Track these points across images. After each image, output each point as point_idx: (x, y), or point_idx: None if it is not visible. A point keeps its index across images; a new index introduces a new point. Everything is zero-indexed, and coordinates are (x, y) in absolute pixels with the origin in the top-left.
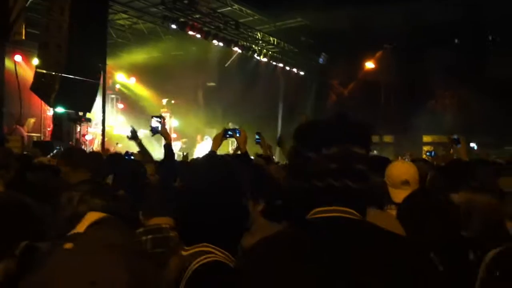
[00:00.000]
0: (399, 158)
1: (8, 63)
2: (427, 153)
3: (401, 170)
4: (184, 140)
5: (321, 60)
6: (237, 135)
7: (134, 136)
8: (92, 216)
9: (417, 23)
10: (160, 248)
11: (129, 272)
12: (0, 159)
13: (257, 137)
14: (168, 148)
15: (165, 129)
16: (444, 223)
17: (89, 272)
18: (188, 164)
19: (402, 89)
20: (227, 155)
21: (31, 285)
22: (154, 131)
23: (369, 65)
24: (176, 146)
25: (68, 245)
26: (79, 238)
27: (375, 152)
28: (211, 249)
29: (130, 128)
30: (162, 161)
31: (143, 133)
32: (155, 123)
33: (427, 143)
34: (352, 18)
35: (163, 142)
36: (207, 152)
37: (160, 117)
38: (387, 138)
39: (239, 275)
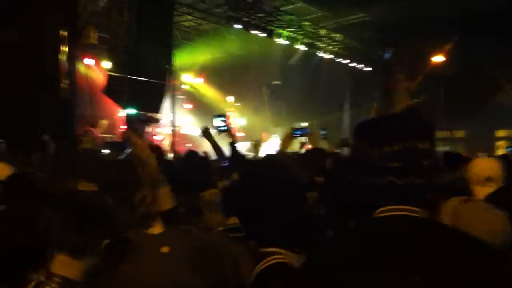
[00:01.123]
0: (478, 154)
1: (80, 67)
2: (508, 148)
3: (485, 165)
4: (253, 141)
5: (386, 55)
6: (306, 134)
7: (206, 134)
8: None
9: (480, 12)
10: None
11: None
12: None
13: (323, 132)
14: (233, 147)
15: (230, 128)
16: None
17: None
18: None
19: (470, 82)
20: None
21: (122, 276)
22: (219, 130)
23: (437, 58)
24: (245, 145)
25: (165, 249)
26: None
27: (447, 148)
28: (278, 249)
29: (202, 128)
30: (229, 159)
31: (213, 132)
32: (218, 122)
33: (500, 138)
34: (416, 11)
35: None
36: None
37: (223, 116)
38: (458, 133)
39: (305, 276)
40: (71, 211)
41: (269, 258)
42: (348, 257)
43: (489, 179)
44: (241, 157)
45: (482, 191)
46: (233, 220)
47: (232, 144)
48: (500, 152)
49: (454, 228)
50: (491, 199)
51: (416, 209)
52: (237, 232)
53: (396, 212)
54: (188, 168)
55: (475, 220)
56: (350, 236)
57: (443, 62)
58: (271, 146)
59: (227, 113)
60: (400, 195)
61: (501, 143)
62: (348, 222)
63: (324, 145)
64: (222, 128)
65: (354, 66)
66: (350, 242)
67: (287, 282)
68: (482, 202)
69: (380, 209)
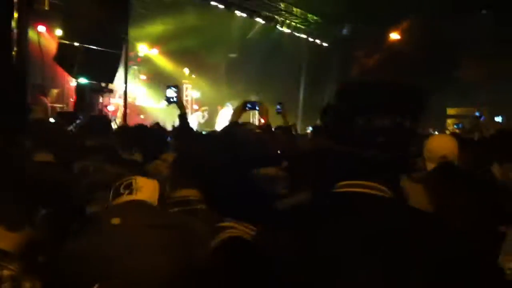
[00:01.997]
0: (429, 131)
1: (31, 34)
2: (455, 125)
3: (440, 144)
4: (204, 108)
5: (344, 31)
6: (257, 108)
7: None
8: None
9: None
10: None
11: (168, 254)
12: None
13: (278, 107)
14: (183, 119)
15: (181, 99)
16: (481, 197)
17: (135, 250)
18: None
19: (427, 60)
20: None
21: (73, 253)
22: (169, 101)
23: (394, 36)
24: (196, 116)
25: (116, 220)
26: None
27: None
28: (232, 224)
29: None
30: (178, 131)
31: (164, 104)
32: (170, 92)
33: (451, 116)
34: None
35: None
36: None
37: (176, 86)
38: None
39: (258, 247)
40: (7, 183)
41: (225, 232)
42: (296, 232)
43: (443, 158)
44: (189, 129)
45: None
46: (180, 193)
47: (182, 116)
48: (449, 130)
49: (415, 208)
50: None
51: (382, 187)
52: (185, 205)
53: (356, 188)
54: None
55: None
56: (301, 210)
57: (399, 40)
58: (226, 115)
59: (181, 85)
60: (373, 170)
61: (451, 121)
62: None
63: (278, 120)
64: (173, 99)
65: (312, 41)
66: (299, 216)
67: (242, 258)
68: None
69: (343, 182)
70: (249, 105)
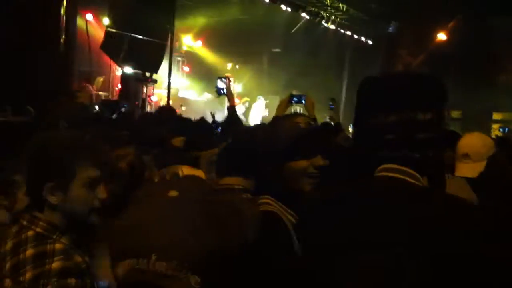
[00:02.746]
0: None
1: (79, 22)
2: (500, 129)
3: (465, 141)
4: (244, 99)
5: (390, 29)
6: (303, 102)
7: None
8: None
9: None
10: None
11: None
12: None
13: (330, 103)
14: (232, 111)
15: (230, 91)
16: None
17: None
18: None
19: (474, 62)
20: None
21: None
22: (219, 92)
23: (441, 36)
24: (240, 109)
25: (173, 193)
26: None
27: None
28: (270, 201)
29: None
30: (228, 123)
31: (206, 96)
32: (220, 84)
33: (497, 121)
34: None
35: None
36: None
37: (226, 78)
38: (455, 114)
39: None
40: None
41: (262, 204)
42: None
43: (465, 156)
44: (239, 121)
45: (460, 168)
46: (226, 181)
47: (231, 108)
48: (494, 134)
49: (453, 196)
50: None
51: (413, 172)
52: (230, 193)
53: (391, 173)
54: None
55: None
56: (340, 198)
57: (446, 41)
58: (259, 108)
59: (229, 77)
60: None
61: (496, 125)
62: None
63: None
64: (223, 91)
65: (357, 38)
66: (337, 197)
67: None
68: (460, 180)
69: (382, 167)
70: (295, 99)
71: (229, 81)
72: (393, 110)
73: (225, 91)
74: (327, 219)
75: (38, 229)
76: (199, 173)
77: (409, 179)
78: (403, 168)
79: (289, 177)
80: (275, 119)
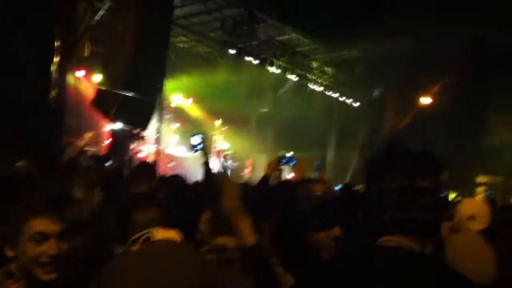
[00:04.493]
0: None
1: (70, 78)
2: (486, 193)
3: (469, 204)
4: (226, 152)
5: (376, 93)
6: (291, 164)
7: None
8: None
9: (475, 53)
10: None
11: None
12: None
13: (317, 164)
14: (206, 166)
15: (206, 147)
16: None
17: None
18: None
19: (459, 123)
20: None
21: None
22: (193, 148)
23: (425, 100)
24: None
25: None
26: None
27: None
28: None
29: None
30: (204, 179)
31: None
32: (195, 140)
33: (481, 184)
34: (408, 50)
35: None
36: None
37: (201, 134)
38: None
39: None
40: None
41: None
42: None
43: (471, 217)
44: (213, 176)
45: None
46: (218, 241)
47: (205, 164)
48: (478, 196)
49: (447, 266)
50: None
51: (410, 242)
52: (222, 253)
53: (393, 243)
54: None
55: (466, 249)
56: (345, 259)
57: (431, 103)
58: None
59: (212, 135)
60: (401, 229)
61: (480, 189)
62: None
63: (313, 176)
64: (198, 147)
65: (343, 101)
66: (342, 265)
67: None
68: (475, 234)
69: (384, 238)
70: (283, 160)
71: (205, 137)
72: (396, 177)
73: (200, 147)
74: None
75: None
76: (174, 233)
77: (412, 246)
78: (406, 237)
79: (309, 245)
80: (265, 178)
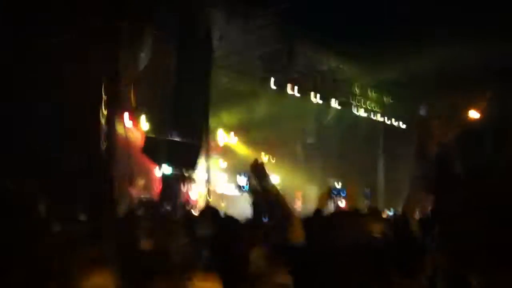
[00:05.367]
0: None
1: (118, 128)
2: None
3: None
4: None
5: (421, 111)
6: (342, 195)
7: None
8: None
9: None
10: None
11: None
12: None
13: (367, 191)
14: (254, 207)
15: (253, 187)
16: None
17: None
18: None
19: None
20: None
21: None
22: (240, 189)
23: (473, 114)
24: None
25: None
26: None
27: None
28: None
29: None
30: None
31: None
32: (241, 180)
33: None
34: (452, 65)
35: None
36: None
37: (246, 173)
38: None
39: None
40: None
41: None
42: None
43: None
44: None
45: None
46: (278, 278)
47: (253, 204)
48: None
49: None
50: None
51: None
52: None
53: None
54: None
55: None
56: None
57: (478, 118)
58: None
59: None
60: None
61: None
62: None
63: (364, 205)
64: (245, 188)
65: (389, 123)
66: None
67: None
68: None
69: None
70: (334, 192)
71: (250, 176)
72: None
73: (245, 188)
74: None
75: None
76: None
77: None
78: None
79: None
80: (318, 211)
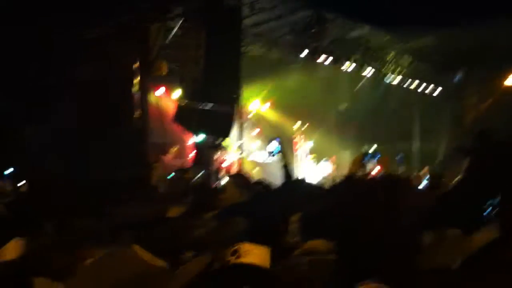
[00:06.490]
0: None
1: (151, 97)
2: None
3: None
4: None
5: (456, 78)
6: (375, 159)
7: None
8: None
9: None
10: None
11: None
12: None
13: (399, 157)
14: (285, 170)
15: (284, 151)
16: None
17: None
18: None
19: None
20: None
21: None
22: (271, 154)
23: (509, 81)
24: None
25: None
26: None
27: None
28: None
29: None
30: (284, 182)
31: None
32: (272, 146)
33: None
34: (487, 33)
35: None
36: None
37: (278, 138)
38: None
39: None
40: None
41: None
42: None
43: None
44: (295, 180)
45: None
46: (310, 244)
47: (284, 167)
48: None
49: None
50: None
51: None
52: (314, 255)
53: None
54: None
55: None
56: None
57: None
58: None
59: (293, 137)
60: None
61: None
62: None
63: (398, 171)
64: (274, 152)
65: (423, 90)
66: None
67: None
68: None
69: None
70: (367, 157)
71: (282, 141)
72: None
73: (275, 152)
74: None
75: None
76: (263, 249)
77: None
78: None
79: None
80: (350, 176)
